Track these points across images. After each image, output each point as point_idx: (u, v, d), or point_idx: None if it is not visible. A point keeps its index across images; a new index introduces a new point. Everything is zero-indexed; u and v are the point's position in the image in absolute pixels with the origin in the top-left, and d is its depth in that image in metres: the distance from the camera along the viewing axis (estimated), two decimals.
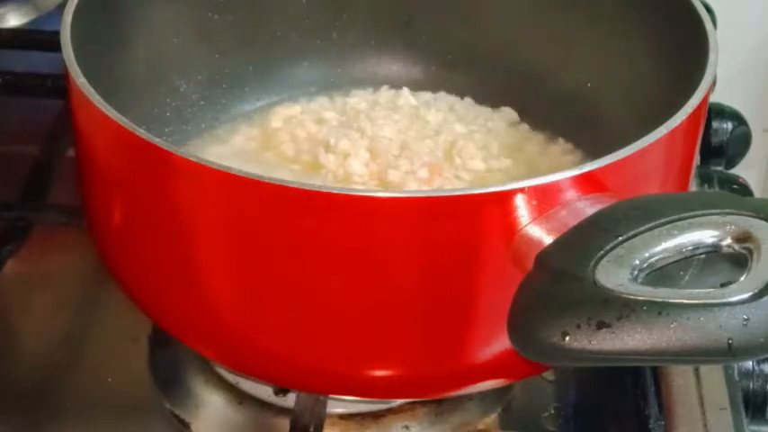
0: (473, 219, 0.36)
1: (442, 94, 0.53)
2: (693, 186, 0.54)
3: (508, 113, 0.52)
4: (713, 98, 0.55)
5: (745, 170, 0.62)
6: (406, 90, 0.53)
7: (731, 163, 0.61)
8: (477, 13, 0.53)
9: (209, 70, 0.52)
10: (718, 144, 0.60)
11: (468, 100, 0.53)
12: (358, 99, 0.53)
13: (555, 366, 0.45)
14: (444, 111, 0.52)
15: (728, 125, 0.60)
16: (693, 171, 0.43)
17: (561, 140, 0.50)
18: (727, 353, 0.31)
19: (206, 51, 0.52)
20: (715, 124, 0.60)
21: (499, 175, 0.49)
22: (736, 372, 0.46)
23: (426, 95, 0.53)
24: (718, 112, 0.61)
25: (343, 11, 0.53)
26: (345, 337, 0.39)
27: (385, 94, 0.53)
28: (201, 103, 0.52)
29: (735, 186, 0.58)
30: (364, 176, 0.48)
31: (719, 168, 0.61)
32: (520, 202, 0.36)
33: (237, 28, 0.52)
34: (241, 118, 0.52)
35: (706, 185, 0.57)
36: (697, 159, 0.44)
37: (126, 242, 0.42)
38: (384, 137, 0.49)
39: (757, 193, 0.61)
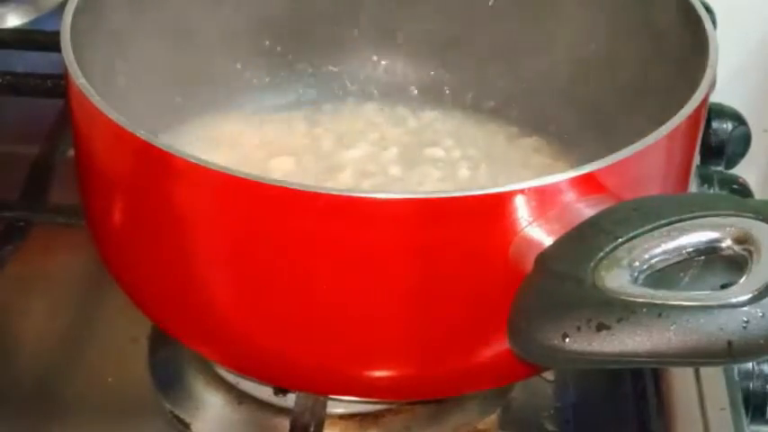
0: (473, 220, 0.36)
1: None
2: (693, 187, 0.54)
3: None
4: (713, 98, 0.55)
5: (745, 170, 0.62)
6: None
7: (731, 163, 0.61)
8: (468, 12, 0.53)
9: (210, 67, 0.52)
10: (717, 144, 0.60)
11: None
12: None
13: (555, 367, 0.45)
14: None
15: (728, 125, 0.60)
16: (693, 171, 0.43)
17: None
18: (726, 354, 0.31)
19: (207, 47, 0.51)
20: (715, 124, 0.60)
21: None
22: (736, 372, 0.46)
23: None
24: (717, 112, 0.61)
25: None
26: (345, 337, 0.39)
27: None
28: (201, 99, 0.52)
29: (735, 186, 0.58)
30: None
31: (719, 168, 0.61)
32: (520, 203, 0.36)
33: (238, 26, 0.52)
34: (239, 115, 0.52)
35: (706, 186, 0.57)
36: (697, 160, 0.44)
37: (126, 242, 0.42)
38: None
39: (757, 194, 0.61)
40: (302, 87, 0.54)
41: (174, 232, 0.39)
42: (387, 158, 0.50)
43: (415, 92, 0.54)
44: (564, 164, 0.49)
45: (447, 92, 0.54)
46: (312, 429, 0.43)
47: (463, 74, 0.53)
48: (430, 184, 0.48)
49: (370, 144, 0.51)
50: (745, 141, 0.61)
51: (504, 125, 0.52)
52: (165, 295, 0.41)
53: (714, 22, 0.54)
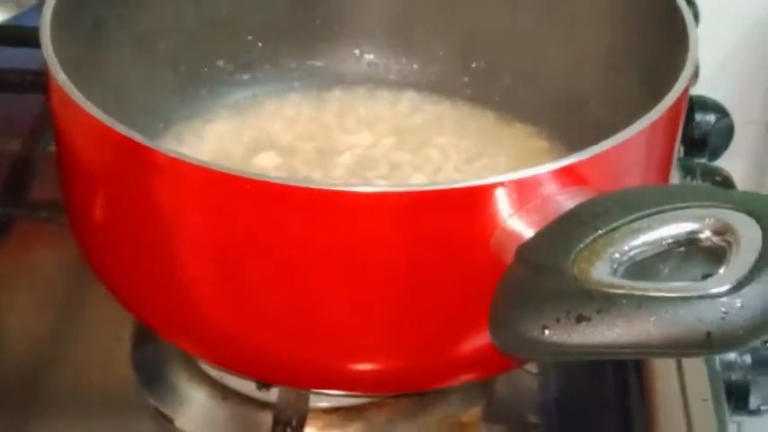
0: (454, 212, 0.36)
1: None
2: (676, 179, 0.54)
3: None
4: (696, 90, 0.55)
5: (728, 162, 0.62)
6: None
7: (714, 155, 0.62)
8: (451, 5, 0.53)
9: (192, 63, 0.52)
10: (700, 136, 0.60)
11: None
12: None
13: (535, 359, 0.45)
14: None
15: (711, 117, 0.61)
16: (674, 163, 0.43)
17: (537, 130, 0.51)
18: (705, 345, 0.31)
19: (189, 43, 0.51)
20: (698, 117, 0.60)
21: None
22: (718, 363, 0.47)
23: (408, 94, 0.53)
24: (700, 104, 0.61)
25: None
26: (327, 331, 0.39)
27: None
28: (183, 95, 0.52)
29: (717, 179, 0.58)
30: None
31: (703, 161, 0.61)
32: (500, 195, 0.36)
33: (220, 22, 0.52)
34: (222, 111, 0.52)
35: (689, 178, 0.58)
36: (678, 152, 0.44)
37: (107, 239, 0.42)
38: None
39: (740, 186, 0.61)
40: (285, 83, 0.54)
41: (156, 228, 0.39)
42: (383, 147, 0.50)
43: (398, 84, 0.54)
44: (555, 152, 0.49)
45: (430, 84, 0.54)
46: (295, 423, 0.43)
47: (447, 66, 0.53)
48: (420, 175, 0.48)
49: (355, 135, 0.51)
50: (727, 134, 0.62)
51: (489, 112, 0.52)
52: (146, 291, 0.41)
53: (696, 15, 0.54)
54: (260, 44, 0.53)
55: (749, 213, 0.34)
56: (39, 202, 0.54)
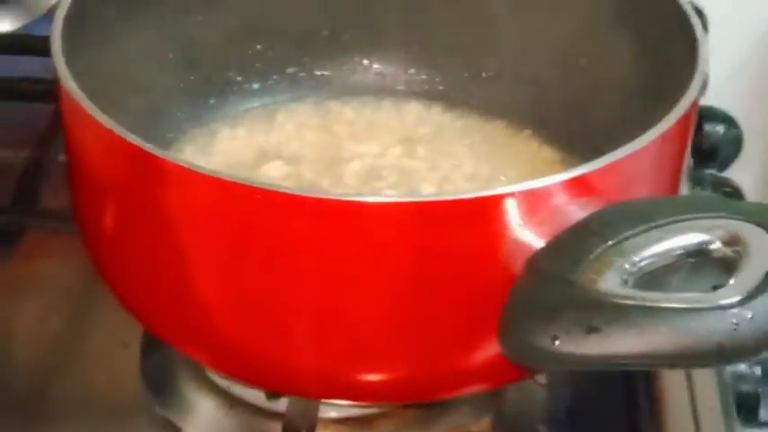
0: (463, 223, 0.36)
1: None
2: (686, 189, 0.54)
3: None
4: (705, 101, 0.55)
5: (737, 173, 0.62)
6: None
7: (724, 165, 0.62)
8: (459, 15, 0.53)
9: (202, 72, 0.52)
10: (709, 147, 0.60)
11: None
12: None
13: (545, 369, 0.45)
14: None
15: (720, 128, 0.61)
16: (684, 174, 0.43)
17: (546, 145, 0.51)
18: (716, 356, 0.31)
19: (198, 53, 0.51)
20: (707, 127, 0.60)
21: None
22: (728, 374, 0.46)
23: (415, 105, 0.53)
24: (709, 115, 0.61)
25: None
26: (337, 341, 0.39)
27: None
28: (193, 104, 0.52)
29: (727, 189, 0.58)
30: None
31: (712, 171, 0.61)
32: (510, 206, 0.36)
33: (229, 31, 0.52)
34: (231, 120, 0.52)
35: (699, 188, 0.58)
36: (688, 162, 0.44)
37: (117, 247, 0.42)
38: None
39: (750, 196, 0.61)
40: (294, 92, 0.54)
41: (165, 237, 0.39)
42: (391, 156, 0.50)
43: (406, 94, 0.54)
44: (564, 163, 0.49)
45: (438, 94, 0.54)
46: None
47: (455, 76, 0.53)
48: (428, 184, 0.49)
49: (363, 145, 0.51)
50: (737, 144, 0.62)
51: (497, 121, 0.52)
52: (156, 299, 0.41)
53: (705, 26, 0.54)
54: (269, 54, 0.53)
55: (759, 224, 0.34)
56: (48, 211, 0.54)
